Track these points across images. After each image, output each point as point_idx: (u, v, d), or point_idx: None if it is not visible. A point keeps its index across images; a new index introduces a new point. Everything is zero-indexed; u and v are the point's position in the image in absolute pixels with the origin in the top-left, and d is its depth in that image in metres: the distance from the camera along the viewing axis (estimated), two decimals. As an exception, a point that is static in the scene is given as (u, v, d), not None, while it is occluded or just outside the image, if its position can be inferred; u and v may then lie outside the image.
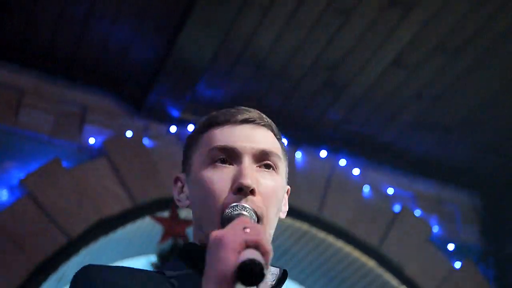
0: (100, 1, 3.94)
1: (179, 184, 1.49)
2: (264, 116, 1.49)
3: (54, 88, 4.25)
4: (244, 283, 1.07)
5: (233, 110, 1.47)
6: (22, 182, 3.78)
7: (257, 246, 1.09)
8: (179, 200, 1.48)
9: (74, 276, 1.29)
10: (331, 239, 4.44)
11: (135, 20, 3.94)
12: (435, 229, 4.88)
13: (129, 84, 4.32)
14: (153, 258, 4.02)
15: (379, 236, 4.63)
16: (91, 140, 4.16)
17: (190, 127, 4.33)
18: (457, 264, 4.75)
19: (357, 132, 4.82)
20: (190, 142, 1.49)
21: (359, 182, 4.75)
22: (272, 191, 1.39)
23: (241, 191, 1.34)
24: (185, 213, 3.93)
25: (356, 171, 4.75)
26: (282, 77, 4.40)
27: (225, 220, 1.29)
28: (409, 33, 4.11)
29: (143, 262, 4.15)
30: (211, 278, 1.09)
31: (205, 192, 1.38)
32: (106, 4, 3.96)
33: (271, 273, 1.39)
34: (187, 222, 3.91)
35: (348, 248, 4.53)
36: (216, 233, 1.12)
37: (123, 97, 4.31)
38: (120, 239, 4.02)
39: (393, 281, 4.54)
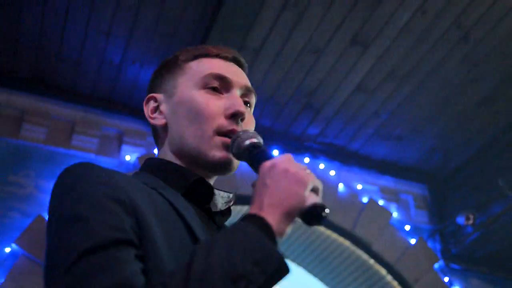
0: (131, 49, 4.11)
1: (153, 103, 1.42)
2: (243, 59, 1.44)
3: (98, 118, 4.44)
4: (308, 222, 1.02)
5: (221, 46, 1.43)
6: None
7: (318, 192, 1.07)
8: (153, 118, 1.40)
9: (65, 169, 1.13)
10: (313, 225, 4.53)
11: (159, 62, 4.19)
12: (395, 214, 5.00)
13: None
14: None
15: (352, 221, 4.70)
16: (127, 157, 4.30)
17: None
18: (412, 241, 4.86)
19: (331, 143, 4.88)
20: (173, 67, 1.42)
21: (335, 181, 4.83)
22: (250, 124, 1.37)
23: (235, 117, 1.29)
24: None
25: (332, 173, 4.85)
26: (271, 102, 4.48)
27: (236, 146, 1.22)
28: (367, 65, 4.20)
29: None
30: (279, 208, 0.99)
31: (197, 112, 1.30)
32: (136, 51, 4.14)
33: (221, 196, 1.31)
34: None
35: (327, 232, 4.65)
36: (281, 164, 1.04)
37: (152, 123, 4.61)
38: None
39: (364, 255, 4.67)
